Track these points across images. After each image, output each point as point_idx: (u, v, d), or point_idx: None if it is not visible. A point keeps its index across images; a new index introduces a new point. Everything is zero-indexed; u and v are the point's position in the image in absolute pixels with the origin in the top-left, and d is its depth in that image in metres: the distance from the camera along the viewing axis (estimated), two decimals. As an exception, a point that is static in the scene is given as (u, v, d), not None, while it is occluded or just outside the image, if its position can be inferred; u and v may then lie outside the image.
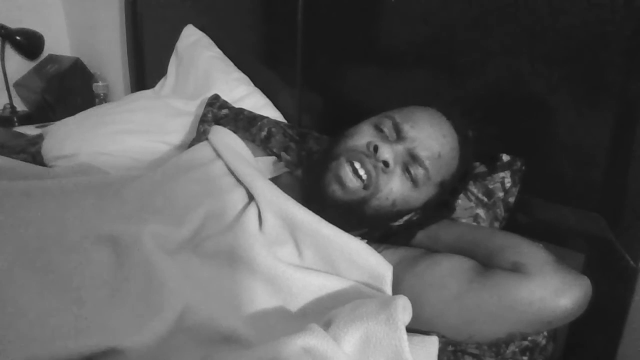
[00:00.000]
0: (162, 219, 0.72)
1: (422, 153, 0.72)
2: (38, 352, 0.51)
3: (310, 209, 0.71)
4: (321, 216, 0.70)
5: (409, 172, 0.72)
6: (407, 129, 0.73)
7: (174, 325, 0.58)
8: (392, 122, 0.74)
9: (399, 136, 0.74)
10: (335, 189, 0.71)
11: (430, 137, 0.73)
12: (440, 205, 0.80)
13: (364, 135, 0.74)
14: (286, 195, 0.72)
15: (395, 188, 0.72)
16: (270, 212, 0.70)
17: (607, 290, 0.71)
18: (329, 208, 0.71)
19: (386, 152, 0.71)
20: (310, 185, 0.76)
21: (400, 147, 0.72)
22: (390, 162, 0.71)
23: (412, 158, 0.72)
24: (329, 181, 0.72)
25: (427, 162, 0.72)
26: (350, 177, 0.71)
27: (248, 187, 0.75)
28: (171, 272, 0.64)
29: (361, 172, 0.71)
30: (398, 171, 0.72)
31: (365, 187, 0.71)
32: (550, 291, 0.61)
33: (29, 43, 1.92)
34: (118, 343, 0.53)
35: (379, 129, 0.75)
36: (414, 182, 0.73)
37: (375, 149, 0.71)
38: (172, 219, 0.72)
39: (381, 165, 0.71)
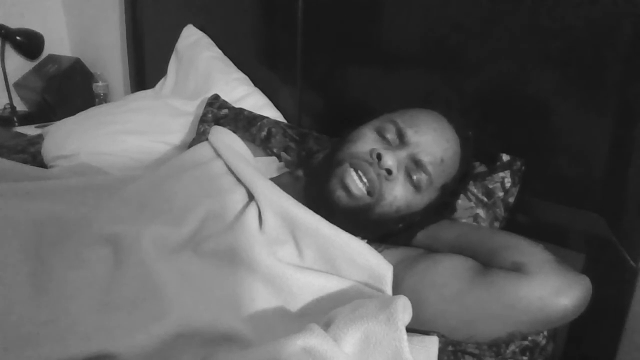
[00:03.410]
0: (162, 219, 0.72)
1: (425, 159, 0.72)
2: (30, 354, 0.51)
3: (315, 212, 0.70)
4: (327, 220, 0.70)
5: (412, 178, 0.72)
6: (411, 134, 0.73)
7: (173, 328, 0.57)
8: (395, 127, 0.74)
9: (402, 141, 0.73)
10: (341, 195, 0.71)
11: (434, 143, 0.73)
12: (441, 207, 0.80)
13: (366, 141, 0.74)
14: (287, 194, 0.72)
15: (399, 195, 0.72)
16: (271, 211, 0.70)
17: (607, 290, 0.71)
18: (334, 213, 0.71)
19: (389, 160, 0.70)
20: (315, 190, 0.76)
21: (403, 153, 0.72)
22: (394, 170, 0.71)
23: (415, 164, 0.72)
24: (334, 187, 0.72)
25: (430, 168, 0.72)
26: (356, 184, 0.71)
27: (248, 186, 0.75)
28: (170, 274, 0.64)
29: (364, 179, 0.71)
30: (401, 178, 0.72)
31: (369, 194, 0.72)
32: (551, 290, 0.61)
33: (29, 43, 1.92)
34: (111, 347, 0.53)
35: (381, 134, 0.74)
36: (417, 187, 0.73)
37: (379, 156, 0.71)
38: (172, 219, 0.72)
39: (384, 173, 0.71)
